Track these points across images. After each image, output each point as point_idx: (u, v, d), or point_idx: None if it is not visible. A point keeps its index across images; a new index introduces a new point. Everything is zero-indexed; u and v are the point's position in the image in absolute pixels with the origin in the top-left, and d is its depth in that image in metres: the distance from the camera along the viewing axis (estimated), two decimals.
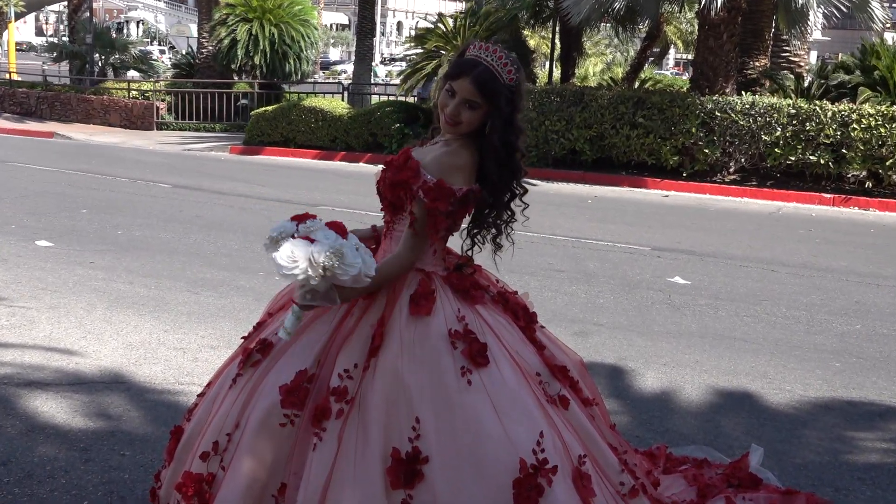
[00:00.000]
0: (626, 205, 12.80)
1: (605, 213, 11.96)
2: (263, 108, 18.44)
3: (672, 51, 40.30)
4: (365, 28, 21.55)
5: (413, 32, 19.16)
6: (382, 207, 3.04)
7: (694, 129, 14.13)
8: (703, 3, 14.13)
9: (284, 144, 17.91)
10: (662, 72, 43.73)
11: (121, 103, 22.56)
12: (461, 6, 19.74)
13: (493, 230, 3.03)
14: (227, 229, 9.60)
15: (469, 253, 3.07)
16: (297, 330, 2.82)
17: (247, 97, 22.09)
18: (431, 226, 2.87)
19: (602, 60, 30.37)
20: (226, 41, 21.23)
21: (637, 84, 19.63)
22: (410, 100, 18.01)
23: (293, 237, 2.71)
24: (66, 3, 28.94)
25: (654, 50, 22.86)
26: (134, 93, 23.09)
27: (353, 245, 2.71)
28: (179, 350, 5.51)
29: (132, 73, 29.40)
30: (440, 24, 17.14)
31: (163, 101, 22.38)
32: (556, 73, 20.42)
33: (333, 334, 2.86)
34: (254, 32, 21.25)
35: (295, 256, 2.63)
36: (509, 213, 3.03)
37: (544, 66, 25.86)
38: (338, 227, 2.80)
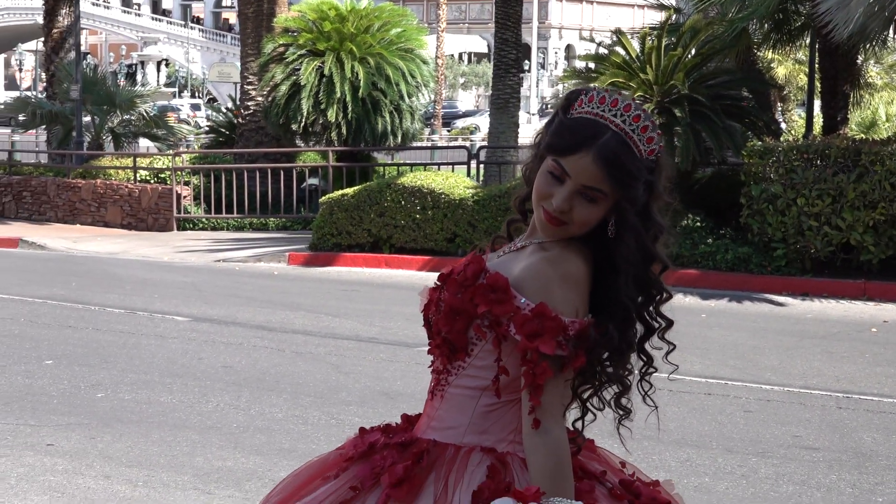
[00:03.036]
0: None
1: None
2: (340, 192, 18.91)
3: None
4: (506, 58, 21.77)
5: (575, 62, 19.37)
6: (430, 348, 3.10)
7: None
8: None
9: (373, 249, 18.26)
10: None
11: (122, 191, 23.61)
12: (656, 16, 19.88)
13: (617, 385, 3.06)
14: (268, 387, 9.79)
15: (578, 425, 3.12)
16: None
17: (317, 175, 22.75)
18: (529, 381, 2.88)
19: None
20: (283, 87, 22.04)
21: None
22: None
23: None
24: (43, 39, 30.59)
25: None
26: (144, 173, 24.14)
27: None
28: None
29: (145, 144, 30.79)
30: (618, 48, 17.35)
31: (187, 184, 23.30)
32: (818, 121, 20.28)
33: None
34: (327, 73, 22.02)
35: None
36: (644, 357, 3.06)
37: (803, 107, 25.74)
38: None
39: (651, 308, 3.03)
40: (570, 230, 2.93)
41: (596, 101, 2.92)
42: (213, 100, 71.10)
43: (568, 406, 3.05)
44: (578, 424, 3.11)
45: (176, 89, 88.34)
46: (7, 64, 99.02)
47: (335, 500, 2.99)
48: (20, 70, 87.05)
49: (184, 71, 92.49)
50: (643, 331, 3.04)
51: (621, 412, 3.09)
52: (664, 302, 3.05)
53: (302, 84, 21.90)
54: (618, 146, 2.87)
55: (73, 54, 27.51)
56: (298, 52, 22.25)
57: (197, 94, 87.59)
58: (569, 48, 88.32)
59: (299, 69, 22.05)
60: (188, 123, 44.64)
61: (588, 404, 3.10)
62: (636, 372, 3.08)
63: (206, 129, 30.17)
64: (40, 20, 31.56)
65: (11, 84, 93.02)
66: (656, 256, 2.98)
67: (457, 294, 2.97)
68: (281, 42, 22.49)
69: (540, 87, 79.75)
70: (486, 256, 3.10)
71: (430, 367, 3.13)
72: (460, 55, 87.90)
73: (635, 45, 17.29)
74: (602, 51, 18.26)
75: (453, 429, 3.00)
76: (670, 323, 3.06)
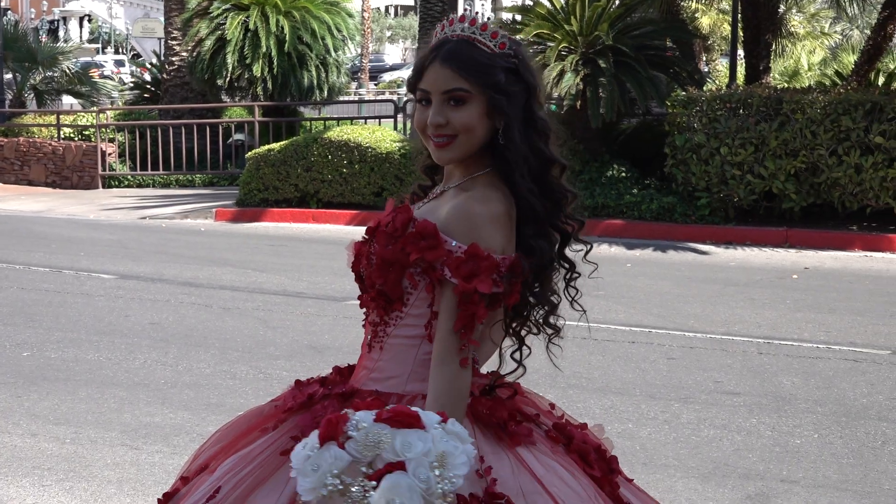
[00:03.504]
0: (855, 280, 12.72)
1: (817, 294, 11.87)
2: (267, 148, 18.87)
3: None
4: (432, 11, 21.83)
5: (501, 14, 19.38)
6: (363, 302, 3.13)
7: None
8: None
9: (300, 203, 18.29)
10: None
11: (46, 148, 23.41)
12: None
13: (545, 306, 3.11)
14: (196, 343, 9.79)
15: (517, 356, 3.14)
16: None
17: (243, 130, 22.65)
18: (463, 321, 2.92)
19: (822, 45, 30.30)
20: (208, 42, 21.93)
21: (872, 81, 19.47)
22: None
23: (365, 475, 2.60)
24: None
25: None
26: (67, 131, 23.93)
27: (444, 433, 2.65)
28: None
29: (69, 101, 30.48)
30: None
31: (112, 141, 23.11)
32: (741, 71, 20.43)
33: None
34: (252, 27, 21.92)
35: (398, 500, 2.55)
36: (567, 264, 3.15)
37: (728, 56, 25.91)
38: (405, 415, 2.66)
39: (561, 214, 3.08)
40: (461, 143, 3.00)
41: (443, 28, 3.08)
42: (138, 56, 70.19)
43: (492, 349, 3.11)
44: (516, 356, 3.13)
45: (99, 45, 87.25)
46: None
47: (276, 449, 2.99)
48: None
49: (107, 27, 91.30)
50: (559, 238, 3.11)
51: (550, 331, 3.13)
52: (571, 203, 3.10)
53: (227, 39, 21.83)
54: (459, 45, 3.01)
55: None
56: (223, 7, 22.15)
57: (121, 50, 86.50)
58: (494, 1, 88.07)
59: (224, 24, 21.95)
60: (112, 80, 44.16)
61: (519, 335, 3.14)
62: (560, 280, 3.13)
63: (131, 85, 29.90)
64: None
65: None
66: (548, 155, 3.03)
67: (387, 245, 2.99)
68: None
69: None
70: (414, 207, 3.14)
71: (363, 321, 3.15)
72: (387, 8, 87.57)
73: None
74: (527, 2, 18.29)
75: (394, 378, 3.03)
76: (581, 223, 3.14)
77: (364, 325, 3.17)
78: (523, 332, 3.15)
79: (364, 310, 3.15)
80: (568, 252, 3.16)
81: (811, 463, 6.76)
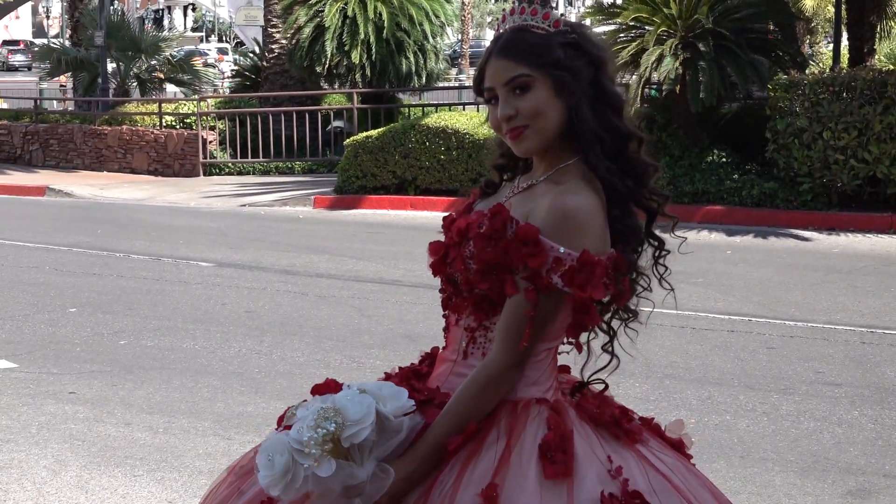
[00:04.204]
0: None
1: None
2: (365, 135, 18.87)
3: None
4: None
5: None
6: (454, 306, 3.05)
7: None
8: None
9: (398, 190, 18.27)
10: None
11: (148, 137, 23.63)
12: None
13: (635, 292, 3.05)
14: (290, 332, 9.80)
15: (608, 349, 3.10)
16: None
17: (341, 117, 22.69)
18: (577, 328, 2.95)
19: None
20: (307, 30, 21.96)
21: None
22: None
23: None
24: None
25: None
26: (169, 119, 24.12)
27: (351, 391, 2.82)
28: None
29: (172, 89, 30.77)
30: None
31: (212, 129, 23.28)
32: (845, 53, 20.06)
33: None
34: (350, 14, 21.93)
35: (273, 460, 2.76)
36: (655, 241, 3.07)
37: (830, 41, 25.50)
38: (328, 388, 2.93)
39: (644, 190, 3.01)
40: (536, 130, 2.93)
41: (496, 28, 3.06)
42: (241, 44, 70.72)
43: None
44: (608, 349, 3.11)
45: (203, 34, 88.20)
46: (34, 11, 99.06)
47: None
48: (48, 17, 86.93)
49: (210, 15, 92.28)
50: (647, 217, 3.04)
51: (628, 315, 3.07)
52: (654, 177, 3.02)
53: (326, 26, 21.83)
54: (512, 35, 2.97)
55: (97, 0, 27.44)
56: None
57: (224, 39, 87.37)
58: None
59: (323, 11, 21.96)
60: (214, 68, 44.53)
61: (610, 327, 3.11)
62: (650, 256, 3.07)
63: (232, 73, 30.10)
64: None
65: (39, 31, 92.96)
66: (623, 129, 2.96)
67: (486, 248, 2.89)
68: None
69: None
70: (477, 202, 3.10)
71: (452, 325, 3.05)
72: None
73: None
74: None
75: None
76: (667, 197, 3.05)
77: (447, 329, 3.08)
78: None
79: (447, 313, 3.06)
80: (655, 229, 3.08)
81: None
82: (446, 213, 3.13)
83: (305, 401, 2.91)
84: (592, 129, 2.91)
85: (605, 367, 3.08)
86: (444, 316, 3.08)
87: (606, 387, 3.11)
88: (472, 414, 2.87)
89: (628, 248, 2.96)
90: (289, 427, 2.81)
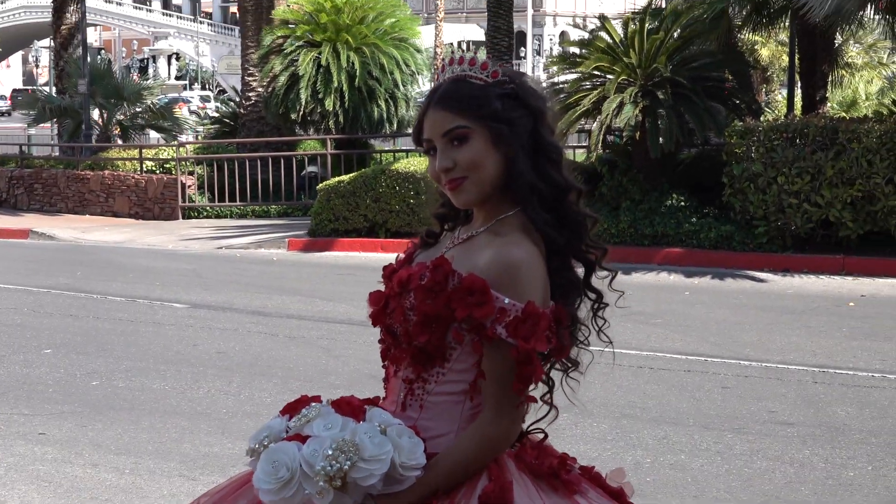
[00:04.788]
0: None
1: (874, 322, 11.64)
2: (337, 179, 18.81)
3: None
4: (499, 46, 21.79)
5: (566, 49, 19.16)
6: (392, 357, 2.96)
7: None
8: None
9: (369, 233, 18.17)
10: None
11: (129, 181, 23.51)
12: (644, 2, 19.58)
13: (575, 343, 2.97)
14: (260, 372, 9.70)
15: (547, 399, 2.99)
16: None
17: (316, 162, 22.63)
18: (523, 381, 2.78)
19: (880, 75, 29.82)
20: (282, 78, 21.92)
21: None
22: (567, 154, 18.05)
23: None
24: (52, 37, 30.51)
25: None
26: (150, 164, 24.01)
27: (373, 428, 2.72)
28: None
29: (155, 136, 30.68)
30: (602, 33, 17.16)
31: (191, 173, 23.19)
32: (799, 101, 20.10)
33: None
34: (324, 63, 21.90)
35: (278, 469, 2.68)
36: (593, 293, 2.97)
37: (784, 89, 25.58)
38: (350, 407, 2.81)
39: (582, 243, 2.92)
40: (473, 182, 2.84)
41: (437, 74, 3.01)
42: (223, 91, 70.94)
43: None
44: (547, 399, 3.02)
45: (187, 82, 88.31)
46: (25, 60, 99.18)
47: None
48: (37, 66, 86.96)
49: (194, 64, 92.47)
50: (585, 269, 2.95)
51: (570, 365, 2.97)
52: (593, 228, 2.94)
53: (300, 74, 21.80)
54: (450, 86, 2.90)
55: (80, 50, 27.38)
56: (296, 44, 22.12)
57: (208, 87, 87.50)
58: (563, 35, 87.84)
59: (297, 60, 21.94)
60: (198, 115, 44.49)
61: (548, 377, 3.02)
62: (587, 309, 2.98)
63: (211, 119, 30.07)
64: None
65: (29, 80, 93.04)
66: (561, 181, 2.88)
67: (427, 301, 2.81)
68: (279, 34, 22.34)
69: (535, 74, 79.77)
70: (417, 252, 3.05)
71: (391, 376, 2.97)
72: (458, 44, 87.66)
73: (619, 30, 17.10)
74: (587, 36, 18.09)
75: (443, 436, 2.84)
76: (604, 250, 2.96)
77: (386, 379, 2.99)
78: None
79: (386, 364, 2.97)
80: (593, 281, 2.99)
81: (864, 496, 6.51)
82: (386, 264, 3.06)
83: (319, 399, 2.85)
84: (529, 182, 2.83)
85: (543, 417, 2.97)
86: (383, 366, 2.98)
87: (546, 436, 3.00)
88: (469, 471, 2.81)
89: (568, 301, 2.87)
90: (299, 435, 2.72)
